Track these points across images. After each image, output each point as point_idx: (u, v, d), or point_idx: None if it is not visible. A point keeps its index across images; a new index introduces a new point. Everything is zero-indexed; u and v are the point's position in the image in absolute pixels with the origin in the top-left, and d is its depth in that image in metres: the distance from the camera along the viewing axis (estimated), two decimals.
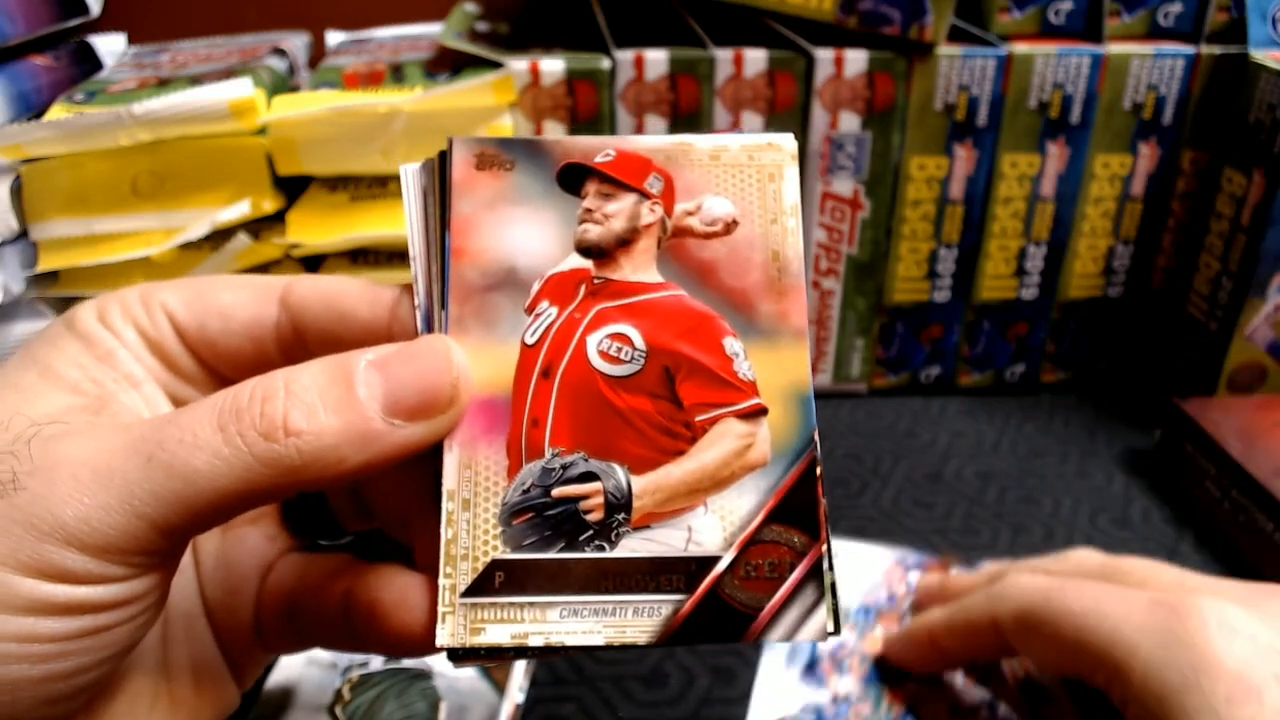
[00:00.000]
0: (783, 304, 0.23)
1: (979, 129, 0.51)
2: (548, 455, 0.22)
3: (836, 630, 0.22)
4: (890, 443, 0.54)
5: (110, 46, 0.59)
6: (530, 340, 0.23)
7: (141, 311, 0.24)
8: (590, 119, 0.49)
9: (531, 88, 0.48)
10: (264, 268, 0.47)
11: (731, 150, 0.24)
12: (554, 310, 0.23)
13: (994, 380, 0.58)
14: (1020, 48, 0.50)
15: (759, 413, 0.23)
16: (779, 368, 0.23)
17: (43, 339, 0.23)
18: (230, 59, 0.53)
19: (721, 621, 0.21)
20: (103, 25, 0.59)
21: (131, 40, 0.61)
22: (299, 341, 0.24)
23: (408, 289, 0.24)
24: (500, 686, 0.38)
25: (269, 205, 0.45)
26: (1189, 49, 0.51)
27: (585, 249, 0.24)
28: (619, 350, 0.23)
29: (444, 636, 0.21)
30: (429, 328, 0.23)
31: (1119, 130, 0.52)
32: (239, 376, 0.24)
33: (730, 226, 0.24)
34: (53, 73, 0.52)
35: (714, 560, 0.22)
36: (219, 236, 0.44)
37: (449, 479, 0.22)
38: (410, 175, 0.24)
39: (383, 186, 0.47)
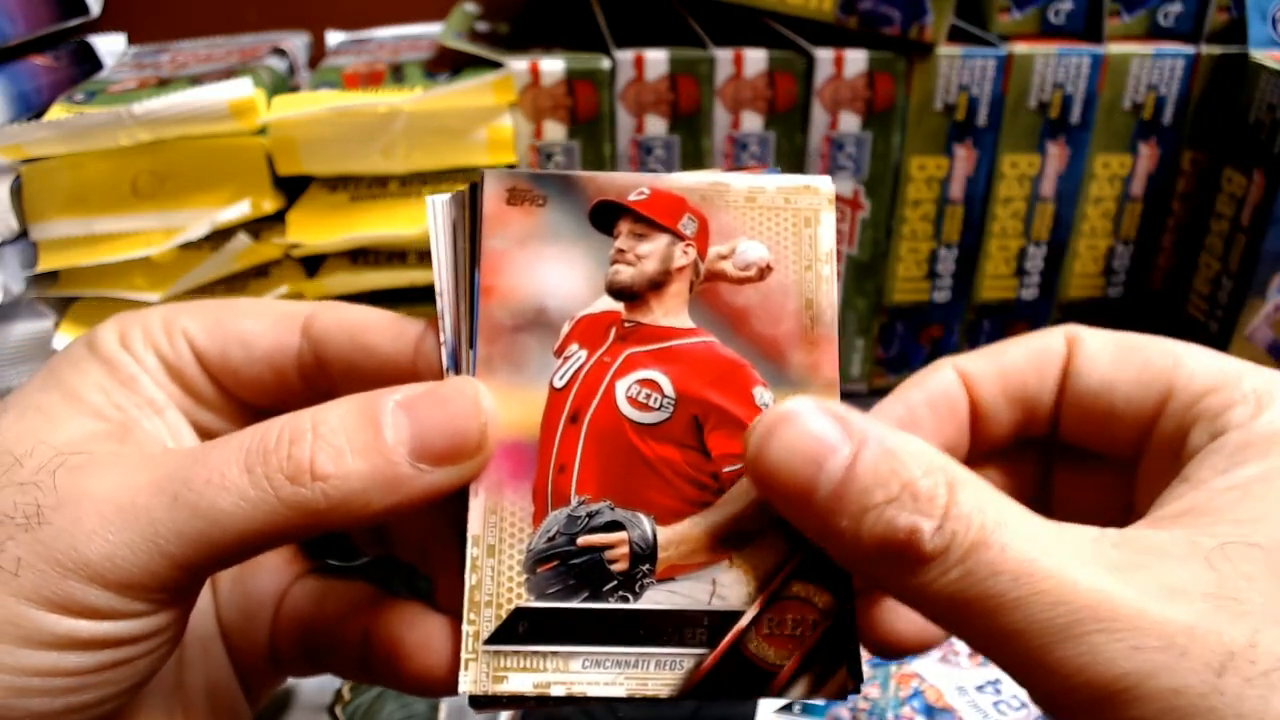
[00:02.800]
0: (814, 355, 0.23)
1: (979, 129, 0.51)
2: (574, 503, 0.22)
3: (857, 689, 0.21)
4: None
5: (110, 46, 0.58)
6: (559, 384, 0.22)
7: (163, 337, 0.23)
8: (590, 119, 0.49)
9: (531, 88, 0.48)
10: (264, 268, 0.47)
11: (768, 192, 0.24)
12: (583, 353, 0.23)
13: None
14: (1020, 48, 0.50)
15: None
16: None
17: (65, 360, 0.23)
18: (230, 59, 0.53)
19: (743, 677, 0.21)
20: (103, 25, 0.59)
21: (131, 40, 0.60)
22: (321, 371, 0.24)
23: (432, 323, 0.23)
24: None
25: (269, 205, 0.45)
26: (1189, 49, 0.51)
27: (616, 291, 0.23)
28: (648, 397, 0.22)
29: (466, 683, 0.21)
30: (456, 367, 0.23)
31: (1119, 130, 0.52)
32: (260, 403, 0.24)
33: (764, 272, 0.23)
34: (53, 73, 0.52)
35: (737, 615, 0.21)
36: (219, 236, 0.44)
37: (474, 524, 0.22)
38: (439, 207, 0.23)
39: (383, 186, 0.47)
